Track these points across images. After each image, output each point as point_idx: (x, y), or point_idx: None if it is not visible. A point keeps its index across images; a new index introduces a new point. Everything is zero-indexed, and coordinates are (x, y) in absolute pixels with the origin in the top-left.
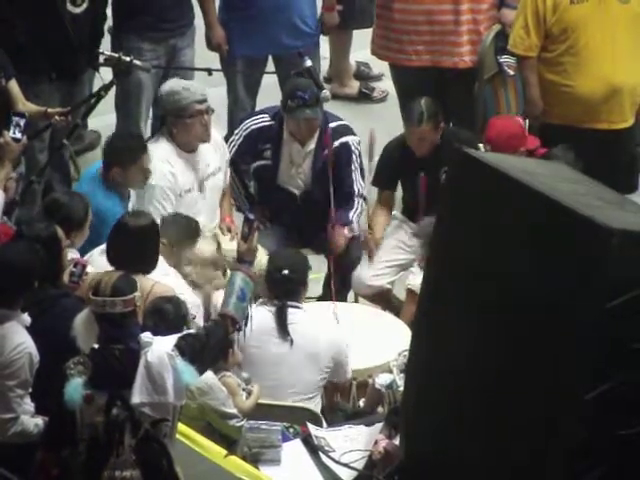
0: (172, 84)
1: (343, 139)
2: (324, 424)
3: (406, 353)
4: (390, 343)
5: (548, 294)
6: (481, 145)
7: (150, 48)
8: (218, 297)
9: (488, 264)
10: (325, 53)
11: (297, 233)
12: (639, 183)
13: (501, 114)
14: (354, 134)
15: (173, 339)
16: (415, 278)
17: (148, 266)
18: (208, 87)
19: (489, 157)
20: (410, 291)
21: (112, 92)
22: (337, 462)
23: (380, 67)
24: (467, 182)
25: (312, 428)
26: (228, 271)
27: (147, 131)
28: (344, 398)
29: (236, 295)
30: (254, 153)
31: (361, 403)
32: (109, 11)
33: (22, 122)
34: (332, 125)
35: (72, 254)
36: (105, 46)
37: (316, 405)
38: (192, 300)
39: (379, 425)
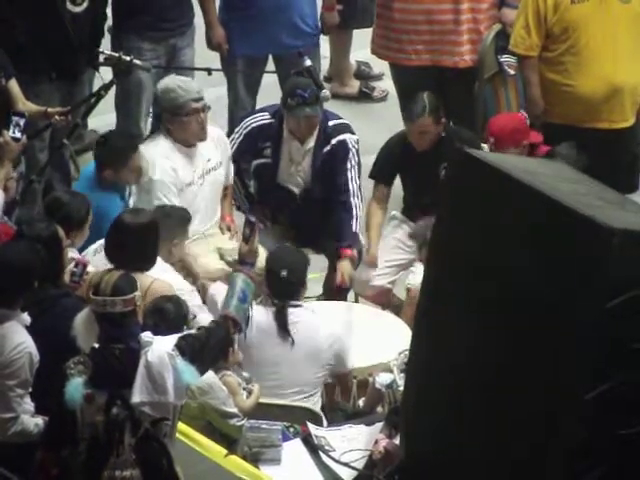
0: (168, 81)
1: (341, 137)
2: (324, 422)
3: (406, 353)
4: (390, 342)
5: (548, 294)
6: (485, 145)
7: (150, 48)
8: (214, 288)
9: (488, 263)
10: (325, 52)
11: (297, 232)
12: None
13: (501, 114)
14: (352, 132)
15: (173, 339)
16: (415, 277)
17: (147, 263)
18: (208, 87)
19: (490, 157)
20: (410, 290)
21: (112, 92)
22: (337, 462)
23: (380, 66)
24: (467, 182)
25: (312, 428)
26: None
27: (147, 131)
28: (344, 397)
29: (237, 296)
30: (254, 151)
31: (361, 403)
32: (109, 11)
33: (22, 122)
34: (331, 123)
35: (72, 254)
36: (105, 46)
37: (315, 403)
38: (188, 289)
39: (379, 425)
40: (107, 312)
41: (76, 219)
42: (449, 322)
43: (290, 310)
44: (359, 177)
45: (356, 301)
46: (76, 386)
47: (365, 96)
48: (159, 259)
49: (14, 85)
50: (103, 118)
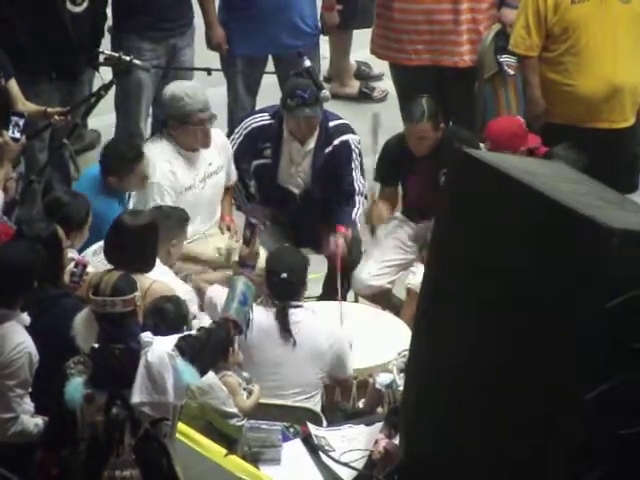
0: (175, 88)
1: (343, 137)
2: (324, 423)
3: (406, 353)
4: (390, 343)
5: (548, 294)
6: (482, 145)
7: (150, 48)
8: (211, 291)
9: (488, 263)
10: (325, 53)
11: (297, 232)
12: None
13: (501, 114)
14: (354, 133)
15: (174, 339)
16: (415, 278)
17: (146, 265)
18: (208, 86)
19: (489, 157)
20: (410, 290)
21: (112, 92)
22: (337, 462)
23: (380, 67)
24: (467, 182)
25: (312, 428)
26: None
27: (147, 131)
28: (344, 398)
29: (238, 299)
30: (254, 152)
31: (361, 404)
32: (109, 11)
33: (21, 122)
34: (332, 124)
35: (72, 254)
36: (105, 46)
37: (316, 404)
38: (186, 290)
39: (379, 425)
40: (107, 312)
41: (76, 220)
42: (449, 322)
43: (291, 311)
44: (363, 177)
45: (356, 301)
46: (76, 386)
47: (365, 96)
48: (158, 261)
49: (14, 85)
50: (103, 118)
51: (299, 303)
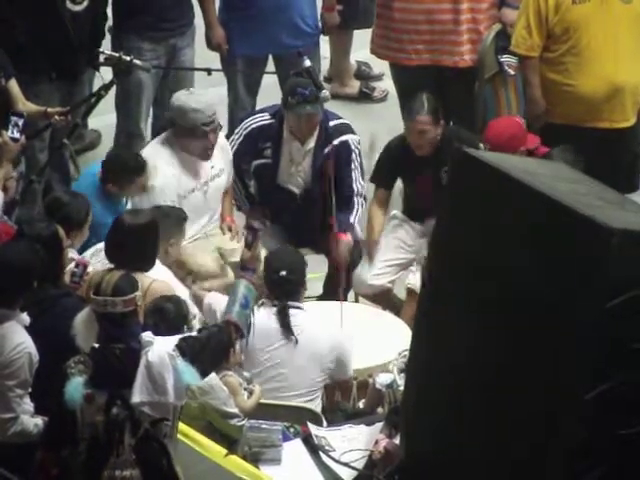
0: (183, 101)
1: (343, 137)
2: (324, 423)
3: (406, 353)
4: (390, 343)
5: (548, 294)
6: (482, 145)
7: (150, 48)
8: (210, 297)
9: (488, 263)
10: (325, 53)
11: (297, 232)
12: None
13: (501, 114)
14: (354, 133)
15: (174, 339)
16: (415, 277)
17: (147, 264)
18: (208, 86)
19: (489, 157)
20: (410, 290)
21: (112, 92)
22: (337, 462)
23: (381, 67)
24: (467, 182)
25: (313, 428)
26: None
27: (147, 131)
28: (345, 398)
29: (239, 302)
30: (254, 152)
31: (361, 404)
32: (109, 11)
33: (20, 122)
34: (332, 123)
35: (72, 254)
36: (105, 46)
37: (316, 406)
38: (185, 290)
39: (379, 425)
40: (107, 312)
41: (76, 219)
42: (449, 322)
43: (291, 311)
44: (362, 178)
45: (356, 301)
46: (76, 386)
47: (365, 96)
48: (157, 261)
49: (14, 85)
50: (103, 118)
51: (299, 304)
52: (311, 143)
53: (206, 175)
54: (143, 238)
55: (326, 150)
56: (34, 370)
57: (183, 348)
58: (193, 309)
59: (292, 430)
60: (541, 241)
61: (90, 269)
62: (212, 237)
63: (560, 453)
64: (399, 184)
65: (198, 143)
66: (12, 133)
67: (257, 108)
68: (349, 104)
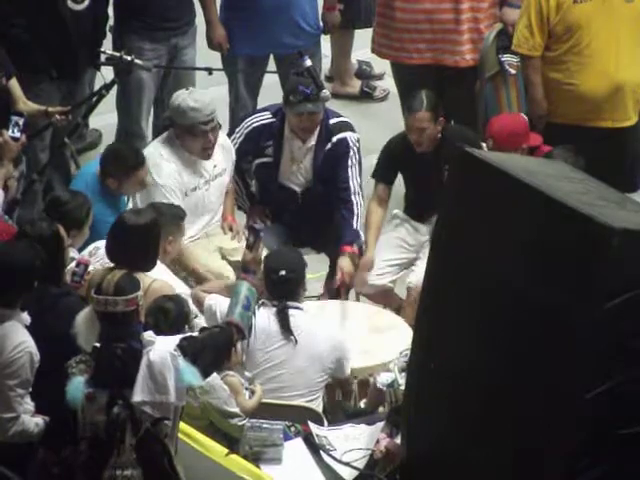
0: (182, 100)
1: (341, 135)
2: (325, 423)
3: (407, 352)
4: (391, 342)
5: (548, 293)
6: (484, 144)
7: (151, 47)
8: (211, 299)
9: (488, 262)
10: (326, 52)
11: (298, 231)
12: None
13: (502, 113)
14: (353, 130)
15: (176, 339)
16: (416, 277)
17: (148, 264)
18: (209, 86)
19: (490, 156)
20: (411, 290)
21: (113, 91)
22: (338, 461)
23: (382, 66)
24: (468, 181)
25: (313, 427)
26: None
27: (148, 130)
28: (345, 398)
29: (242, 304)
30: (256, 151)
31: (362, 404)
32: (110, 10)
33: (21, 121)
34: (332, 121)
35: (72, 253)
36: (107, 45)
37: (317, 406)
38: (185, 289)
39: (380, 424)
40: (109, 311)
41: (76, 219)
42: (449, 321)
43: (291, 312)
44: (360, 176)
45: (357, 300)
46: (77, 385)
47: (366, 96)
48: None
49: (15, 84)
50: (104, 117)
51: (298, 304)
52: (312, 141)
53: (208, 174)
54: (145, 238)
55: (326, 147)
56: (35, 370)
57: (185, 348)
58: (193, 308)
59: (293, 429)
60: (541, 240)
61: (91, 268)
62: (213, 236)
63: (560, 453)
64: (400, 184)
65: (197, 142)
66: (13, 132)
67: (258, 108)
68: (350, 103)
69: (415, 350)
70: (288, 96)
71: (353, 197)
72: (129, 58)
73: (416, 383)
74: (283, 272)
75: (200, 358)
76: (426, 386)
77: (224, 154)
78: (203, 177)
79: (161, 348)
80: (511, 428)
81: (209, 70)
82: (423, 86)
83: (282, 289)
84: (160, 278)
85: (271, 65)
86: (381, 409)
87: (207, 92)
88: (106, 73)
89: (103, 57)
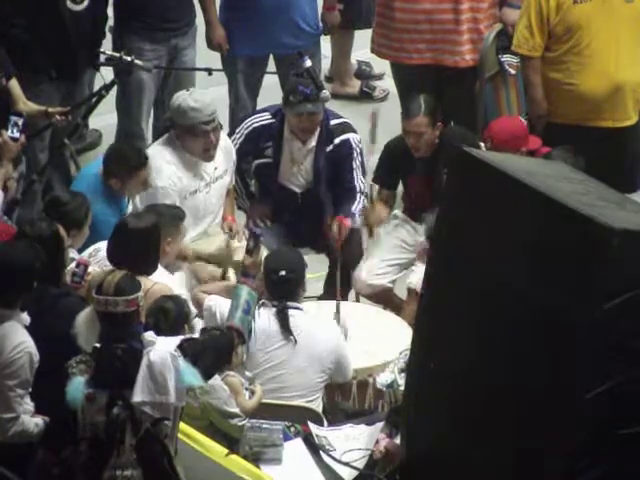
0: (182, 100)
1: (344, 136)
2: (325, 423)
3: (407, 352)
4: (391, 342)
5: (548, 294)
6: (482, 144)
7: (151, 48)
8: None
9: (488, 263)
10: (326, 52)
11: (297, 232)
12: None
13: (502, 114)
14: (355, 131)
15: (177, 340)
16: (416, 277)
17: (149, 267)
18: (209, 86)
19: (489, 156)
20: (411, 290)
21: (113, 91)
22: (338, 461)
23: (381, 66)
24: (467, 181)
25: (313, 427)
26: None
27: (148, 131)
28: (345, 398)
29: (242, 308)
30: (255, 151)
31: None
32: (110, 11)
33: (20, 121)
34: (333, 122)
35: (72, 254)
36: (106, 46)
37: (317, 406)
38: (184, 290)
39: (380, 424)
40: (109, 312)
41: (75, 219)
42: (449, 321)
43: (290, 312)
44: (364, 176)
45: (357, 301)
46: (77, 385)
47: (366, 96)
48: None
49: (15, 85)
50: (104, 118)
51: (298, 305)
52: (312, 142)
53: (209, 176)
54: (146, 241)
55: (326, 149)
56: (34, 370)
57: (185, 349)
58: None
59: (293, 430)
60: (541, 241)
61: (90, 269)
62: (213, 237)
63: (560, 453)
64: (400, 184)
65: (198, 142)
66: (12, 133)
67: (258, 108)
68: (350, 104)
69: (415, 350)
70: (288, 96)
71: (358, 195)
72: (129, 59)
73: (416, 383)
74: (283, 272)
75: (200, 359)
76: (426, 386)
77: (225, 155)
78: (204, 180)
79: (161, 349)
80: (511, 428)
81: (209, 71)
82: (423, 86)
83: (282, 289)
84: (159, 280)
85: (271, 66)
86: (380, 409)
87: (207, 92)
88: (105, 74)
89: (103, 58)
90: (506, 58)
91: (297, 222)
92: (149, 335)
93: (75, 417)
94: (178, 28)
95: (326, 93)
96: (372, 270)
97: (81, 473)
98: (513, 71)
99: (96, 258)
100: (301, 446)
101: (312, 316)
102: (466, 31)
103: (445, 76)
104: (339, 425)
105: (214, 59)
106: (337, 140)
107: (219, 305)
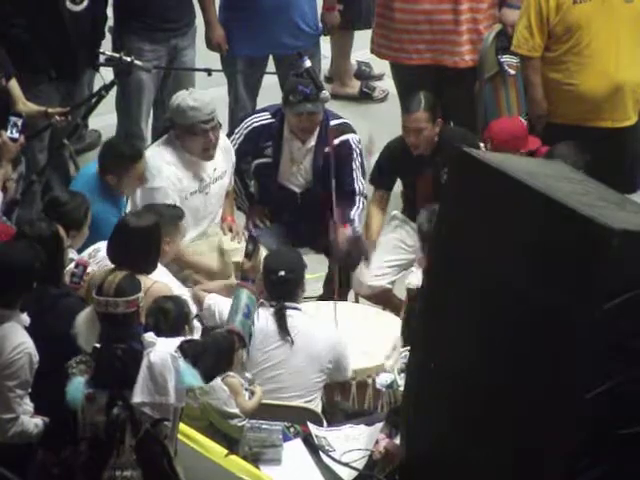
0: (181, 100)
1: (344, 137)
2: (324, 423)
3: (406, 353)
4: (390, 343)
5: (548, 294)
6: (482, 145)
7: (151, 48)
8: (210, 298)
9: (488, 263)
10: (326, 52)
11: (297, 232)
12: None
13: (502, 114)
14: (354, 132)
15: (177, 341)
16: (415, 277)
17: (149, 266)
18: (209, 86)
19: (489, 157)
20: (410, 291)
21: (113, 92)
22: (338, 462)
23: (381, 67)
24: (467, 182)
25: (313, 428)
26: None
27: (148, 131)
28: (344, 398)
29: (242, 312)
30: (255, 151)
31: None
32: (110, 11)
33: (19, 122)
34: (333, 123)
35: (72, 254)
36: (106, 46)
37: (316, 406)
38: (184, 290)
39: (380, 424)
40: (109, 312)
41: (75, 219)
42: (449, 322)
43: (288, 312)
44: (364, 177)
45: (357, 301)
46: (77, 386)
47: (366, 96)
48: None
49: (14, 85)
50: (104, 118)
51: (296, 305)
52: (312, 142)
53: (208, 178)
54: (146, 240)
55: (326, 150)
56: (34, 370)
57: (185, 350)
58: (193, 309)
59: (292, 430)
60: (541, 241)
61: (90, 269)
62: (212, 237)
63: (560, 453)
64: (399, 184)
65: (198, 141)
66: (11, 133)
67: (257, 108)
68: (349, 104)
69: (415, 350)
70: (287, 96)
71: (357, 197)
72: (129, 59)
73: (416, 383)
74: (282, 272)
75: (201, 361)
76: (426, 386)
77: (224, 156)
78: (203, 181)
79: (162, 349)
80: (511, 428)
81: (208, 71)
82: (422, 87)
83: (281, 289)
84: (159, 280)
85: (270, 66)
86: (380, 409)
87: (207, 93)
88: (105, 74)
89: (103, 58)
90: (506, 58)
91: (297, 222)
92: (149, 336)
93: (75, 417)
94: (178, 28)
95: (326, 93)
96: (372, 271)
97: (81, 473)
98: (513, 71)
99: (96, 259)
100: (301, 446)
101: (310, 316)
102: (466, 31)
103: (445, 76)
104: (339, 425)
105: (214, 59)
106: (336, 141)
107: (218, 304)
